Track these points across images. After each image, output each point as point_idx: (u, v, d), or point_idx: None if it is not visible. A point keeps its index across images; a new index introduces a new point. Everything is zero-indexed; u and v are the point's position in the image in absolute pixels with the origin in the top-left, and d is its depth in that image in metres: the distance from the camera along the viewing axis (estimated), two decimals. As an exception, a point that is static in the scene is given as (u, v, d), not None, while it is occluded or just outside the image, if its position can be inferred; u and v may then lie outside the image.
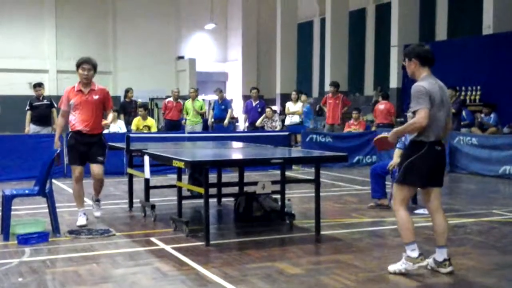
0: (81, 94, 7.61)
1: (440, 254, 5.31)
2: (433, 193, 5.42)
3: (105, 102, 7.73)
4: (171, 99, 16.53)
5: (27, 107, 13.68)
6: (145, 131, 14.06)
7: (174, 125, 16.00)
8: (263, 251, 6.08)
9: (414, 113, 5.18)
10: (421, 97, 5.13)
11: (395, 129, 5.63)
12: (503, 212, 8.29)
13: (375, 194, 8.66)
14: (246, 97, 23.02)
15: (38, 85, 14.08)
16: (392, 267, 5.32)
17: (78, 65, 7.62)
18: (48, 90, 15.00)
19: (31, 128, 13.68)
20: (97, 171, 7.65)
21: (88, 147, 7.55)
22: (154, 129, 14.54)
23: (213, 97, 17.32)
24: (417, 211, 8.27)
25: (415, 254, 5.24)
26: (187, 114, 15.80)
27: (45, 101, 13.86)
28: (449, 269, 5.26)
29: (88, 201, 8.20)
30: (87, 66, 7.56)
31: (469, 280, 5.14)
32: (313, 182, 6.92)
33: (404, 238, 5.33)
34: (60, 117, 7.86)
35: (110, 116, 7.90)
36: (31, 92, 14.38)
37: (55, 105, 14.13)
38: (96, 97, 7.61)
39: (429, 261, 5.36)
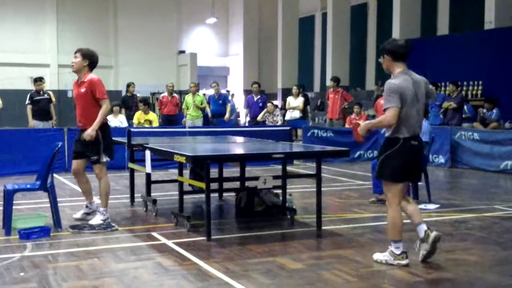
0: (76, 85, 7.30)
1: (421, 230, 5.41)
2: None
3: (92, 92, 7.03)
4: (165, 93, 16.48)
5: (28, 101, 13.69)
6: (146, 125, 14.06)
7: (171, 120, 15.95)
8: (264, 246, 6.09)
9: (385, 110, 5.26)
10: (391, 95, 5.19)
11: (366, 122, 5.64)
12: (504, 208, 8.28)
13: (376, 189, 8.65)
14: (247, 92, 23.03)
15: (39, 79, 14.10)
16: (376, 256, 5.50)
17: None
18: (49, 85, 14.98)
19: (34, 123, 13.69)
20: (95, 171, 7.33)
21: (82, 144, 7.17)
22: (155, 123, 14.53)
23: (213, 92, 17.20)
24: (418, 206, 8.26)
25: (398, 251, 5.36)
26: (187, 109, 15.75)
27: (45, 96, 13.88)
28: (434, 233, 5.34)
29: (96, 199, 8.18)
30: (76, 54, 7.15)
31: (471, 275, 5.14)
32: (314, 177, 6.92)
33: (390, 235, 5.42)
34: None
35: (103, 108, 7.05)
36: (32, 87, 14.38)
37: (53, 99, 14.19)
38: (83, 89, 7.07)
39: (416, 246, 5.45)
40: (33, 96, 13.75)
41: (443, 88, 15.69)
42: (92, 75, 7.15)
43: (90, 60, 7.19)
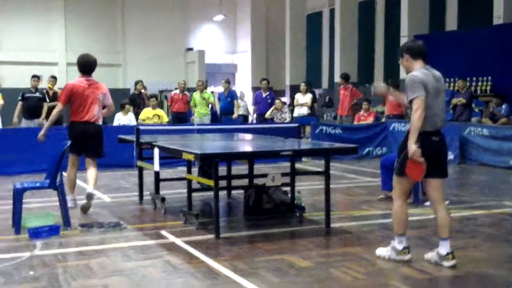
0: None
1: (443, 247, 5.25)
2: (431, 184, 5.34)
3: None
4: (177, 91, 16.53)
5: (19, 98, 13.73)
6: (155, 120, 14.08)
7: (181, 117, 15.99)
8: (273, 244, 6.09)
9: (410, 102, 5.18)
10: (414, 86, 5.16)
11: (410, 141, 5.16)
12: (514, 204, 8.25)
13: (385, 186, 8.62)
14: (255, 89, 22.97)
15: (36, 77, 14.12)
16: (378, 251, 5.53)
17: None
18: (57, 83, 15.01)
19: (23, 122, 13.73)
20: (94, 163, 8.26)
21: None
22: (165, 118, 14.56)
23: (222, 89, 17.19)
24: (427, 203, 8.24)
25: (400, 246, 5.37)
26: (195, 106, 15.76)
27: (37, 94, 13.89)
28: (451, 262, 5.20)
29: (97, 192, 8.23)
30: None
31: (480, 272, 5.13)
32: (323, 174, 6.91)
33: (395, 229, 5.43)
34: None
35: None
36: (40, 85, 14.42)
37: (47, 99, 14.14)
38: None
39: (432, 255, 5.35)
40: (25, 93, 13.77)
41: (451, 84, 15.60)
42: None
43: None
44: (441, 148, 5.35)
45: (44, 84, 15.00)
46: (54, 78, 15.05)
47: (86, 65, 8.13)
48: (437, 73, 5.41)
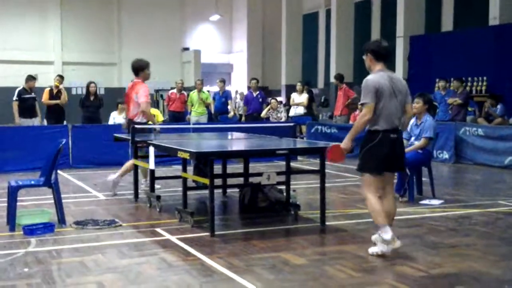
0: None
1: (386, 233, 5.54)
2: (387, 177, 5.70)
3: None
4: (174, 90, 16.53)
5: (15, 98, 13.73)
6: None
7: (178, 116, 15.99)
8: (268, 242, 6.09)
9: (362, 105, 5.57)
10: (366, 91, 5.49)
11: (347, 136, 5.77)
12: (508, 203, 8.26)
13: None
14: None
15: (32, 78, 14.14)
16: (371, 249, 5.59)
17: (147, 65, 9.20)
18: (54, 82, 15.00)
19: (20, 121, 13.78)
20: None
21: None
22: (159, 118, 14.53)
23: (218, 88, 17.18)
24: (422, 202, 8.27)
25: (388, 236, 5.48)
26: (192, 105, 15.76)
27: (33, 94, 13.93)
28: (398, 242, 5.57)
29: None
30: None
31: (475, 271, 5.14)
32: (318, 173, 6.92)
33: (376, 222, 5.58)
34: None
35: None
36: (36, 84, 14.43)
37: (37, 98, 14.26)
38: None
39: (376, 237, 5.66)
40: (22, 93, 13.79)
41: (447, 84, 15.62)
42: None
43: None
44: (398, 145, 5.68)
45: (39, 84, 15.03)
46: (61, 77, 15.15)
47: (132, 67, 9.31)
48: (395, 76, 5.79)
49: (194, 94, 15.80)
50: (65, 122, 13.95)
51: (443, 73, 16.06)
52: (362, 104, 5.56)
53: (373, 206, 5.55)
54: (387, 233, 5.47)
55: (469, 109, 14.74)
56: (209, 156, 6.41)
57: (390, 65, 18.59)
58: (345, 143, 5.72)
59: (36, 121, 13.77)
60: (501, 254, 5.70)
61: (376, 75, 5.57)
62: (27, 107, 13.73)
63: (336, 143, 5.91)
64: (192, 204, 7.99)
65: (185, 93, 16.39)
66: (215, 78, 17.59)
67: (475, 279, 4.94)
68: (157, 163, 8.02)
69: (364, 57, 5.76)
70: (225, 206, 8.42)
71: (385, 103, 5.50)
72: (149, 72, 9.34)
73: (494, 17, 16.00)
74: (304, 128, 15.34)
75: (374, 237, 5.73)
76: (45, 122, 14.49)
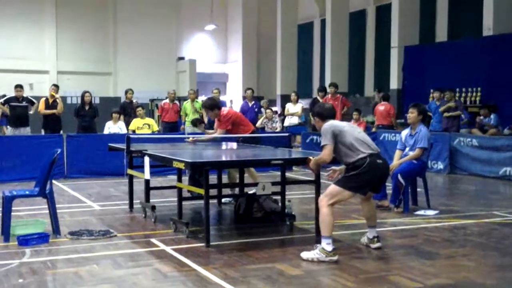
0: None
1: (371, 233, 6.27)
2: (368, 196, 6.19)
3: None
4: (167, 100, 16.45)
5: (1, 101, 13.79)
6: (146, 129, 14.05)
7: (172, 127, 15.93)
8: (263, 252, 6.08)
9: (322, 147, 6.01)
10: (325, 134, 5.95)
11: (315, 158, 6.19)
12: (503, 214, 8.28)
13: (375, 195, 8.64)
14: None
15: (19, 86, 14.18)
16: (305, 255, 5.77)
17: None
18: (48, 91, 14.99)
19: (9, 130, 13.80)
20: None
21: None
22: (155, 128, 14.52)
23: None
24: (417, 212, 8.28)
25: (329, 248, 5.70)
26: (186, 115, 15.73)
27: (24, 103, 13.94)
28: (377, 244, 6.18)
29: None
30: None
31: (470, 281, 5.14)
32: (314, 183, 6.92)
33: (324, 231, 5.76)
34: None
35: None
36: (31, 93, 14.50)
37: (35, 101, 14.28)
38: None
39: (363, 239, 6.36)
40: (10, 100, 13.82)
41: (441, 95, 15.66)
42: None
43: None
44: (384, 170, 6.08)
45: (27, 93, 15.07)
46: (56, 86, 15.14)
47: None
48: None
49: (187, 104, 15.78)
50: (61, 132, 13.92)
51: (437, 83, 16.13)
52: (322, 147, 6.01)
53: (329, 217, 5.75)
54: (330, 245, 5.69)
55: (461, 122, 14.76)
56: (204, 166, 6.41)
57: (385, 75, 18.63)
58: (313, 165, 6.19)
59: (25, 132, 13.69)
60: (496, 264, 5.70)
61: (332, 122, 6.10)
62: (16, 115, 13.72)
63: (309, 158, 6.29)
64: (187, 214, 7.98)
65: (178, 103, 16.34)
66: (210, 88, 17.55)
67: (470, 290, 4.94)
68: (152, 173, 8.00)
69: (312, 121, 6.36)
70: (220, 216, 8.41)
71: (352, 133, 5.97)
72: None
73: (488, 28, 16.10)
74: (299, 138, 15.34)
75: (362, 239, 6.36)
76: (42, 132, 14.48)
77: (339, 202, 5.95)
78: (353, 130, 6.07)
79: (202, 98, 18.63)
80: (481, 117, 14.52)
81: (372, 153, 5.87)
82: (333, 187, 5.88)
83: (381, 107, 15.77)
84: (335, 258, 5.68)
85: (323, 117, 6.17)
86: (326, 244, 5.69)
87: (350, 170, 5.90)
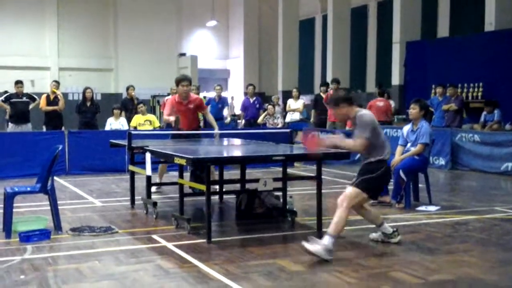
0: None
1: (387, 228, 6.23)
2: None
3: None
4: (170, 97, 16.44)
5: (2, 98, 13.80)
6: (147, 126, 14.04)
7: None
8: (265, 248, 6.08)
9: (356, 137, 5.93)
10: (365, 127, 5.84)
11: (336, 139, 6.28)
12: (505, 209, 8.27)
13: (377, 191, 8.64)
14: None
15: (20, 82, 14.16)
16: (309, 246, 5.59)
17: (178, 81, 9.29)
18: (50, 88, 14.99)
19: (10, 127, 13.79)
20: None
21: None
22: (156, 124, 14.51)
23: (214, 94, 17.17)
24: (418, 208, 8.28)
25: (332, 247, 5.67)
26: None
27: (24, 98, 13.93)
28: (399, 237, 6.22)
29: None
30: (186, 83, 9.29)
31: (472, 277, 5.14)
32: (315, 179, 6.92)
33: (334, 231, 5.70)
34: None
35: None
36: (32, 90, 14.48)
37: (37, 98, 14.27)
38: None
39: (377, 235, 6.32)
40: (11, 97, 13.81)
41: (444, 90, 15.63)
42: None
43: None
44: (390, 177, 6.33)
45: (29, 89, 15.05)
46: (57, 82, 15.11)
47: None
48: None
49: (187, 100, 15.73)
50: (63, 128, 13.93)
51: (439, 79, 16.11)
52: (357, 137, 5.88)
53: (345, 218, 5.77)
54: (333, 245, 5.67)
55: (464, 116, 14.74)
56: (206, 162, 6.41)
57: (386, 71, 18.63)
58: (328, 143, 6.14)
59: (27, 128, 13.70)
60: (497, 260, 5.70)
61: (368, 111, 6.12)
62: (17, 111, 13.72)
63: (316, 134, 6.27)
64: (189, 210, 7.98)
65: None
66: (212, 84, 17.55)
67: (472, 285, 4.94)
68: (153, 170, 8.00)
69: (333, 112, 6.26)
70: (222, 213, 8.41)
71: (382, 135, 5.99)
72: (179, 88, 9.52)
73: (490, 23, 16.06)
74: (300, 134, 15.32)
75: (373, 236, 6.36)
76: (43, 129, 14.48)
77: (358, 204, 5.99)
78: (381, 130, 6.12)
79: (203, 95, 18.67)
80: (485, 114, 14.48)
81: (386, 159, 6.02)
82: (353, 189, 5.87)
83: (380, 103, 15.71)
84: (331, 257, 5.61)
85: (351, 101, 6.05)
86: (331, 244, 5.62)
87: (367, 170, 5.92)
